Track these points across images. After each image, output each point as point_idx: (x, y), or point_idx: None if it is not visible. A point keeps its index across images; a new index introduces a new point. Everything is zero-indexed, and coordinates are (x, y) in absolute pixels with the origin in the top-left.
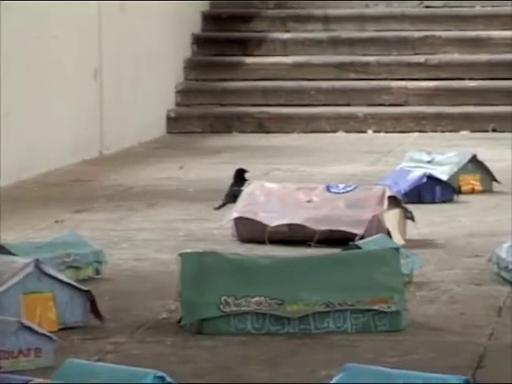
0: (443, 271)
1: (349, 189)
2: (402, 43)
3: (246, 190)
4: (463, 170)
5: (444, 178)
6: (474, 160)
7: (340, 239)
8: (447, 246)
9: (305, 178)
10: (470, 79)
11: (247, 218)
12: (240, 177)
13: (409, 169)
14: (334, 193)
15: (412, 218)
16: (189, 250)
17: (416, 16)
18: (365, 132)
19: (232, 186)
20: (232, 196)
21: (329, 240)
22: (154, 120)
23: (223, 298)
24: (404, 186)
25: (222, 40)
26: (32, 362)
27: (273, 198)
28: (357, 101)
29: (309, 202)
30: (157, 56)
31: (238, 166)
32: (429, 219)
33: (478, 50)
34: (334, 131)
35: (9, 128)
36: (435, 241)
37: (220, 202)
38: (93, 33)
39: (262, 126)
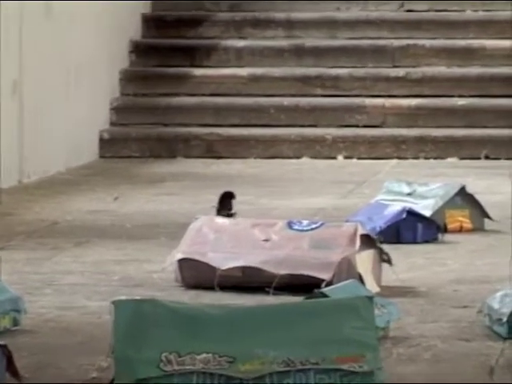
0: (425, 324)
1: (314, 226)
2: (379, 53)
3: (192, 226)
4: (450, 204)
5: (427, 213)
6: (462, 192)
7: (303, 285)
8: (430, 295)
9: (262, 212)
10: (459, 97)
11: (193, 260)
12: (227, 201)
13: (386, 202)
14: (297, 230)
15: (389, 261)
16: (124, 297)
17: (396, 21)
18: (334, 158)
19: (219, 211)
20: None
21: (290, 286)
22: (84, 142)
23: (164, 354)
24: (380, 222)
25: (165, 48)
26: None
27: (224, 236)
28: (325, 121)
29: (266, 240)
30: (88, 66)
31: (186, 196)
32: (409, 262)
33: (468, 63)
34: (298, 157)
35: None
36: (416, 288)
37: None
38: (13, 38)
39: (213, 150)
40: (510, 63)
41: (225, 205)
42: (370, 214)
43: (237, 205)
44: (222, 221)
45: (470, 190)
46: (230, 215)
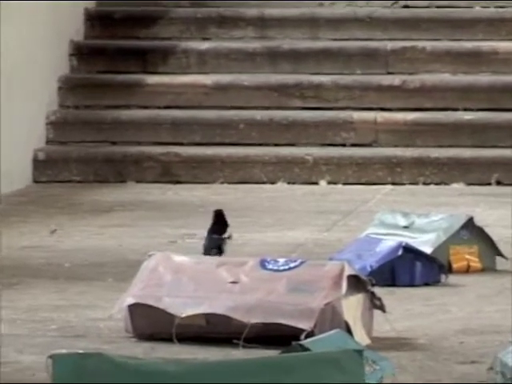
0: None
1: (292, 265)
2: (370, 58)
3: (146, 265)
4: (455, 239)
5: (427, 250)
6: (470, 225)
7: (279, 337)
8: (432, 348)
9: (230, 249)
10: (466, 110)
11: (147, 305)
12: (220, 221)
13: (378, 237)
14: (272, 270)
15: (382, 308)
16: (64, 351)
17: (390, 20)
18: (316, 183)
19: (211, 233)
20: (215, 247)
21: (263, 338)
22: (15, 164)
23: None
24: (371, 261)
25: (113, 51)
26: None
27: (184, 277)
28: (305, 139)
29: (235, 283)
30: (20, 73)
31: (138, 229)
32: (406, 309)
33: (476, 69)
34: (273, 182)
35: None
36: (414, 340)
37: None
38: None
39: (170, 173)
40: None
41: (218, 227)
42: (359, 250)
43: (200, 241)
44: (181, 259)
45: (478, 222)
46: (222, 240)
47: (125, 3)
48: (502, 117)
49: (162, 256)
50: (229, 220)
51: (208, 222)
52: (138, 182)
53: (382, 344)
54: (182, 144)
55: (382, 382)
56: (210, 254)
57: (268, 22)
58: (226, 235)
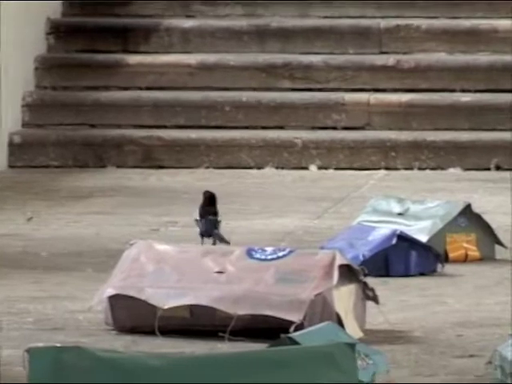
0: (421, 377)
1: (281, 254)
2: (363, 36)
3: (127, 254)
4: (452, 226)
5: (423, 238)
6: (467, 212)
7: (267, 329)
8: (427, 341)
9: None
10: (463, 91)
11: (128, 297)
12: (212, 202)
13: (371, 225)
14: (259, 260)
15: (375, 299)
16: (41, 344)
17: None
18: (306, 168)
19: (206, 214)
20: (215, 228)
21: (250, 330)
22: None
23: None
24: (364, 249)
25: (92, 29)
26: None
27: (167, 267)
28: (294, 122)
29: (221, 272)
30: None
31: (119, 217)
32: (400, 300)
33: (474, 48)
34: (260, 167)
35: None
36: (410, 333)
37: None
38: None
39: (152, 157)
40: None
41: (208, 208)
42: (351, 239)
43: (183, 229)
44: (163, 248)
45: (476, 209)
46: (214, 222)
47: None
48: (502, 98)
49: (144, 245)
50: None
51: (192, 208)
52: (118, 166)
53: (375, 337)
54: (164, 127)
55: (375, 382)
56: (213, 237)
57: None
58: (219, 218)
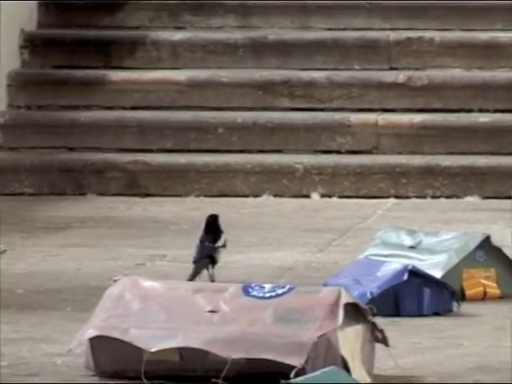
0: None
1: (280, 291)
2: (370, 50)
3: (110, 291)
4: (469, 261)
5: (437, 274)
6: (486, 245)
7: (265, 374)
8: None
9: (206, 272)
10: (481, 111)
11: (111, 338)
12: (213, 227)
13: (380, 259)
14: (256, 297)
15: (384, 341)
16: None
17: (393, 6)
18: (307, 197)
19: (203, 241)
20: (207, 257)
21: (246, 375)
22: None
23: None
24: (372, 286)
25: (71, 42)
26: None
27: (153, 306)
28: (294, 145)
29: (213, 312)
30: None
31: (101, 250)
32: (412, 343)
33: (493, 64)
34: (257, 195)
35: None
36: (422, 378)
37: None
38: None
39: (137, 184)
40: None
41: (210, 235)
42: (358, 275)
43: (172, 263)
44: (150, 284)
45: (496, 241)
46: (215, 248)
47: None
48: None
49: (129, 281)
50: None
51: (180, 242)
52: (99, 194)
53: (384, 383)
54: (151, 151)
55: None
56: (201, 265)
57: (251, 8)
58: (219, 243)
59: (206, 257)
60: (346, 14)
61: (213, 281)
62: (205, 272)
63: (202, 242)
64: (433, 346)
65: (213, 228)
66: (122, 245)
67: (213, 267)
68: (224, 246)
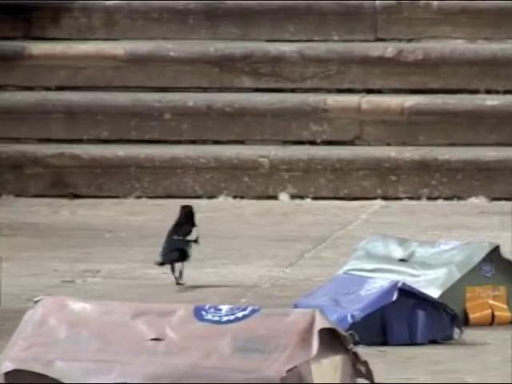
0: None
1: (240, 314)
2: (351, 17)
3: (30, 315)
4: (474, 277)
5: (434, 293)
6: (494, 258)
7: None
8: None
9: (151, 292)
10: (489, 93)
11: (32, 373)
12: (186, 219)
13: (363, 274)
14: (211, 322)
15: (369, 376)
16: None
17: None
18: (274, 198)
19: (171, 234)
20: (176, 250)
21: None
22: None
23: None
24: (354, 308)
25: None
26: None
27: (84, 333)
28: (258, 134)
29: (158, 340)
30: None
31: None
32: (404, 378)
33: (505, 34)
34: (212, 196)
35: None
36: None
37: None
38: None
39: (64, 182)
40: None
41: (181, 227)
42: (337, 294)
43: (107, 280)
44: (80, 307)
45: (507, 253)
46: (186, 242)
47: None
48: None
49: (54, 303)
50: (148, 250)
51: (118, 253)
52: (17, 195)
53: None
54: (80, 141)
55: None
56: (168, 259)
57: None
58: (190, 237)
59: (175, 249)
60: None
61: (178, 283)
62: (172, 271)
63: (169, 234)
64: (428, 382)
65: (185, 221)
66: (45, 257)
67: (182, 263)
68: (196, 241)
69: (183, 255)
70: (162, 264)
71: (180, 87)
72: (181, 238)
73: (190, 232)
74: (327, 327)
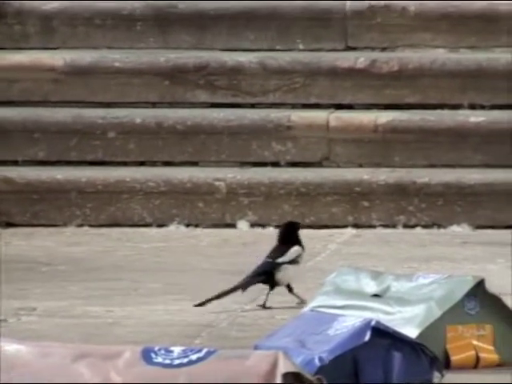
0: None
1: (194, 357)
2: (319, 24)
3: None
4: (456, 315)
5: (412, 332)
6: (479, 293)
7: None
8: None
9: (92, 332)
10: (473, 108)
11: None
12: (286, 237)
13: (332, 312)
14: (161, 365)
15: None
16: None
17: None
18: (232, 226)
19: (268, 256)
20: (263, 274)
21: None
22: None
23: None
24: (321, 350)
25: None
26: None
27: (18, 378)
28: (214, 155)
29: None
30: None
31: None
32: None
33: (491, 41)
34: (162, 224)
35: None
36: None
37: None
38: None
39: None
40: None
41: (279, 246)
42: (303, 333)
43: (44, 319)
44: (15, 349)
45: (493, 287)
46: (277, 265)
47: None
48: None
49: None
50: (89, 286)
51: (56, 289)
52: None
53: None
54: (14, 163)
55: None
56: (248, 282)
57: None
58: (283, 258)
59: (262, 273)
60: None
61: (265, 307)
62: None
63: (267, 256)
64: None
65: (285, 239)
66: None
67: (270, 289)
68: (295, 261)
69: (270, 280)
70: (223, 294)
71: (126, 102)
72: (270, 260)
73: (284, 252)
74: (292, 371)
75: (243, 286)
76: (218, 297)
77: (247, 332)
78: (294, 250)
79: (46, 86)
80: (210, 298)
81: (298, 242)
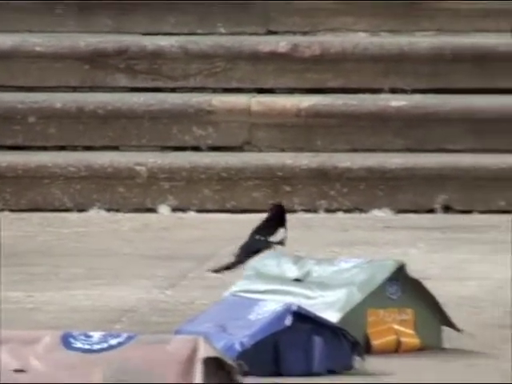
0: None
1: (114, 342)
2: (240, 7)
3: None
4: (377, 299)
5: (333, 317)
6: (400, 277)
7: None
8: None
9: (11, 317)
10: (394, 92)
11: None
12: (275, 219)
13: (253, 296)
14: (81, 350)
15: None
16: None
17: None
18: (153, 211)
19: (254, 233)
20: (254, 252)
21: None
22: None
23: None
24: (242, 335)
25: None
26: None
27: None
28: (135, 139)
29: (21, 371)
30: None
31: None
32: None
33: (413, 26)
34: (83, 209)
35: None
36: None
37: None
38: None
39: None
40: (487, 28)
41: (267, 226)
42: (224, 318)
43: None
44: None
45: (415, 272)
46: (267, 244)
47: None
48: (453, 102)
49: None
50: (7, 271)
51: None
52: None
53: None
54: None
55: None
56: (240, 260)
57: None
58: (274, 238)
59: (254, 251)
60: None
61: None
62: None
63: (253, 233)
64: None
65: (274, 220)
66: None
67: None
68: (281, 242)
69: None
70: (218, 271)
71: (46, 86)
72: (262, 238)
73: (274, 232)
74: (212, 356)
75: (232, 265)
76: (228, 268)
77: (168, 317)
78: (282, 232)
79: None
80: (225, 265)
81: (284, 223)
